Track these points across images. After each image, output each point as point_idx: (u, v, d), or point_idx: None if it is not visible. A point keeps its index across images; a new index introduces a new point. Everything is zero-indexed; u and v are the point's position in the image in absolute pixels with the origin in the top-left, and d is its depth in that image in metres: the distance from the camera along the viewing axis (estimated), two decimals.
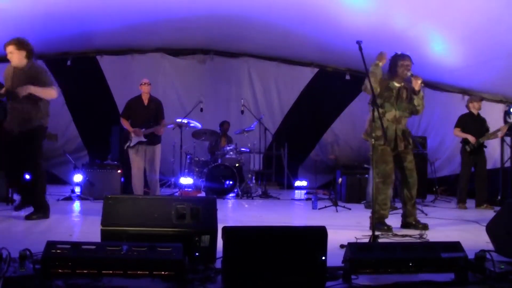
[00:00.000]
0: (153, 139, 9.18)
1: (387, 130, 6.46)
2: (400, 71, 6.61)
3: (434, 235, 6.02)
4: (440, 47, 10.28)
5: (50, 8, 9.43)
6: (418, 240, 5.66)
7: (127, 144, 9.13)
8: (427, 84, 12.89)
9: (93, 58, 13.13)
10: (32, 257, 3.62)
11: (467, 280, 3.79)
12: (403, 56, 6.66)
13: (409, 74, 6.57)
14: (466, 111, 10.27)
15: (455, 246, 3.91)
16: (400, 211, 8.76)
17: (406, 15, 9.25)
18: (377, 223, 5.92)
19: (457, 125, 10.20)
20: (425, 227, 6.55)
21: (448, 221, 7.92)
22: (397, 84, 6.68)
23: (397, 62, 6.64)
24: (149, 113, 9.26)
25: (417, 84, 6.60)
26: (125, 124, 9.25)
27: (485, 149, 10.06)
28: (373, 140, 6.06)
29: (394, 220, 7.38)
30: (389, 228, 6.27)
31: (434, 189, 11.88)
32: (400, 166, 6.73)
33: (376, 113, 5.76)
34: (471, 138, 9.86)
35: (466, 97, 11.43)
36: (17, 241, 5.05)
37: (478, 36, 9.26)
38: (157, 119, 9.29)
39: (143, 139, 9.06)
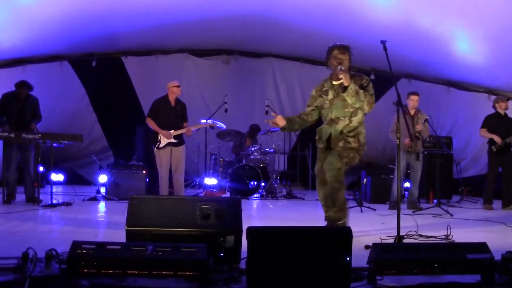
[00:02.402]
0: (180, 140, 9.28)
1: (323, 132, 6.05)
2: (332, 65, 5.89)
3: (460, 236, 5.94)
4: (466, 46, 10.17)
5: (75, 10, 9.50)
6: (444, 241, 5.61)
7: (157, 145, 9.19)
8: (452, 83, 12.78)
9: (118, 58, 13.22)
10: (58, 257, 3.65)
11: (494, 282, 3.73)
12: (334, 47, 5.90)
13: (338, 68, 5.73)
14: (493, 111, 10.14)
15: (481, 247, 3.86)
16: (426, 211, 8.72)
17: (430, 13, 9.16)
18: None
19: (483, 126, 10.07)
20: None
21: (474, 221, 7.82)
22: (334, 82, 5.96)
23: (328, 56, 5.94)
24: (176, 114, 9.32)
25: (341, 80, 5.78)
26: (152, 124, 9.30)
27: None
28: (398, 140, 5.64)
29: (418, 220, 7.32)
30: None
31: (460, 189, 11.76)
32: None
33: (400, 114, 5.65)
34: (497, 139, 9.73)
35: (492, 97, 11.30)
36: (43, 241, 5.11)
37: (505, 35, 9.14)
38: (182, 120, 9.35)
39: (173, 141, 9.14)
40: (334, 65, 5.82)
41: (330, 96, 5.94)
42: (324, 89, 6.04)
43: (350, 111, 5.87)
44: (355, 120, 5.92)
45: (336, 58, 5.80)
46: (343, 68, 5.71)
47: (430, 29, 9.58)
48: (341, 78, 5.72)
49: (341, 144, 5.86)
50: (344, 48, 5.88)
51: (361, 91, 5.73)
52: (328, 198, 5.84)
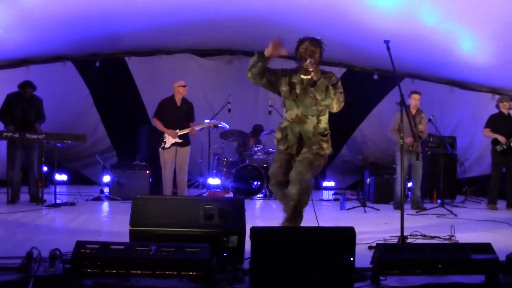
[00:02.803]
0: (185, 141, 9.30)
1: (289, 132, 5.62)
2: (301, 57, 5.59)
3: (464, 236, 5.93)
4: (469, 45, 10.13)
5: (79, 10, 9.52)
6: (448, 241, 5.60)
7: (162, 145, 9.22)
8: (456, 83, 12.76)
9: (121, 59, 13.22)
10: (62, 256, 3.67)
11: (499, 283, 3.73)
12: (305, 39, 5.66)
13: (307, 61, 5.41)
14: (496, 110, 10.12)
15: (486, 247, 3.85)
16: (430, 211, 8.72)
17: (434, 13, 9.13)
18: None
19: (487, 125, 10.05)
20: None
21: (478, 222, 7.82)
22: (303, 76, 5.63)
23: (298, 48, 5.66)
24: (181, 114, 9.35)
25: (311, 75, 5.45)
26: (158, 125, 9.35)
27: None
28: (401, 140, 5.57)
29: (424, 220, 7.32)
30: None
31: (464, 189, 11.74)
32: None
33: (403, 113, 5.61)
34: (501, 139, 9.72)
35: (496, 97, 11.25)
36: (47, 241, 5.12)
37: (509, 34, 9.10)
38: (188, 120, 9.37)
39: (178, 140, 9.16)
40: (304, 58, 5.51)
41: (298, 90, 5.61)
42: (292, 80, 5.67)
43: (319, 110, 5.57)
44: (323, 120, 5.65)
45: (306, 50, 5.56)
46: (313, 61, 5.39)
47: (433, 29, 9.56)
48: (311, 72, 5.39)
49: (315, 148, 5.51)
50: (316, 42, 5.66)
51: (331, 87, 5.43)
52: (292, 209, 5.35)
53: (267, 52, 5.62)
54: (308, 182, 5.39)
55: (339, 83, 5.62)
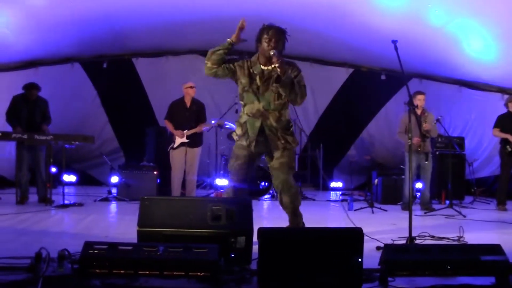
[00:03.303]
0: (195, 141, 9.34)
1: (248, 127, 5.31)
2: (263, 48, 5.16)
3: (473, 237, 5.90)
4: (478, 45, 10.09)
5: (87, 12, 9.56)
6: (456, 242, 5.58)
7: (171, 145, 9.25)
8: (464, 83, 12.71)
9: (129, 60, 13.25)
10: (70, 257, 3.69)
11: (509, 285, 3.71)
12: (267, 28, 5.17)
13: (271, 53, 5.01)
14: (505, 110, 10.08)
15: (496, 248, 3.83)
16: (438, 212, 8.69)
17: (442, 12, 9.10)
18: None
19: (496, 125, 9.99)
20: None
21: (487, 223, 7.78)
22: (263, 67, 5.27)
23: (260, 37, 5.21)
24: (191, 115, 9.39)
25: (276, 69, 5.05)
26: (169, 126, 9.43)
27: None
28: (409, 141, 5.50)
29: (432, 221, 7.30)
30: None
31: (473, 190, 11.69)
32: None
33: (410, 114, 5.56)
34: (511, 139, 9.67)
35: (505, 96, 11.21)
36: (55, 242, 5.13)
37: None
38: (199, 121, 9.39)
39: (185, 140, 9.17)
40: (266, 48, 5.11)
41: (259, 82, 5.25)
42: (252, 71, 5.28)
43: (281, 104, 5.27)
44: (285, 114, 5.37)
45: (270, 41, 5.09)
46: (277, 53, 4.98)
47: (440, 28, 9.53)
48: (274, 64, 5.02)
49: (281, 144, 5.30)
50: (281, 31, 5.19)
51: (296, 82, 5.13)
52: (291, 215, 5.54)
53: (232, 38, 5.27)
54: (295, 186, 5.47)
55: (301, 74, 5.29)
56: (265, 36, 5.12)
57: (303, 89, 5.24)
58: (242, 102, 5.39)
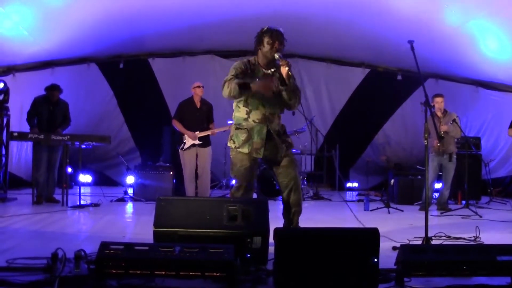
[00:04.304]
0: (205, 142, 9.33)
1: (254, 134, 5.14)
2: (265, 51, 5.08)
3: (489, 237, 5.87)
4: (495, 44, 10.03)
5: (104, 13, 9.61)
6: (473, 243, 5.54)
7: (181, 146, 9.26)
8: (481, 83, 12.63)
9: (145, 60, 13.29)
10: (87, 257, 3.70)
11: None
12: (270, 32, 5.07)
13: (276, 56, 5.01)
14: None
15: None
16: (454, 212, 8.64)
17: (459, 12, 9.05)
18: None
19: (511, 125, 9.94)
20: None
21: (503, 223, 7.73)
22: (265, 71, 5.21)
23: (263, 40, 5.09)
24: (201, 116, 9.39)
25: (284, 71, 5.02)
26: (178, 126, 9.39)
27: None
28: (426, 141, 5.33)
29: (446, 221, 7.26)
30: None
31: (489, 190, 11.61)
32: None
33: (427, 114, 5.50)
34: None
35: None
36: (72, 242, 5.17)
37: None
38: (208, 121, 9.40)
39: (198, 142, 9.18)
40: (269, 51, 5.05)
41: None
42: (257, 77, 5.14)
43: (281, 107, 5.28)
44: (280, 117, 5.36)
45: (274, 43, 5.04)
46: (281, 56, 4.99)
47: (457, 28, 9.48)
48: (284, 67, 4.99)
49: (284, 146, 5.29)
50: (282, 33, 5.12)
51: (296, 85, 5.19)
52: (298, 216, 5.23)
53: (254, 87, 4.97)
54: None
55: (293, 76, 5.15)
56: (268, 39, 5.04)
57: (299, 93, 5.28)
58: (246, 109, 5.18)
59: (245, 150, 5.12)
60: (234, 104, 5.31)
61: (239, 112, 5.22)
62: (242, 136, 5.14)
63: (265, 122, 5.15)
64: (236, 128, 5.22)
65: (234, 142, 5.19)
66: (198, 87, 9.46)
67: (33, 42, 10.05)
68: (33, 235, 5.80)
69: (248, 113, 5.17)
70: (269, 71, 5.20)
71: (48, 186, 9.20)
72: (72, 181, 11.81)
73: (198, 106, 9.44)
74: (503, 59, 10.54)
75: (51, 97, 9.17)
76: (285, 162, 5.27)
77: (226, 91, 5.02)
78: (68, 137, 8.60)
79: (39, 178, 8.98)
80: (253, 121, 5.15)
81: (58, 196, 9.03)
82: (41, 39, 10.17)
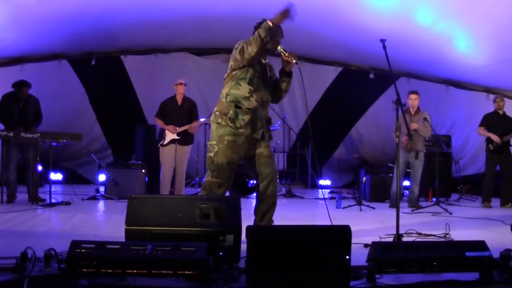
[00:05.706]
0: (186, 139, 9.33)
1: (257, 113, 5.13)
2: (269, 43, 5.10)
3: (458, 234, 5.96)
4: (465, 45, 10.16)
5: (74, 8, 9.51)
6: (443, 239, 5.61)
7: (161, 142, 9.25)
8: (452, 82, 12.78)
9: (118, 57, 13.19)
10: (57, 256, 3.66)
11: (493, 280, 3.74)
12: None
13: (280, 48, 5.15)
14: (491, 109, 10.15)
15: (480, 245, 3.86)
16: (425, 210, 8.73)
17: (430, 12, 9.15)
18: None
19: (481, 124, 10.11)
20: None
21: (472, 220, 7.85)
22: (263, 61, 5.37)
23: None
24: (182, 113, 9.39)
25: (289, 65, 5.23)
26: (160, 123, 9.48)
27: (511, 148, 9.93)
28: (397, 139, 5.39)
29: (417, 218, 7.33)
30: None
31: (459, 188, 11.77)
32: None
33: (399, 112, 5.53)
34: (494, 137, 9.76)
35: (491, 96, 11.30)
36: (42, 241, 5.10)
37: (504, 33, 9.12)
38: (191, 119, 9.40)
39: (176, 137, 9.17)
40: (272, 45, 5.21)
41: (257, 72, 5.22)
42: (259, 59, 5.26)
43: (271, 98, 5.38)
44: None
45: (278, 36, 5.20)
46: (287, 51, 5.13)
47: (428, 29, 9.57)
48: (291, 59, 5.13)
49: (267, 137, 5.29)
50: (280, 27, 5.25)
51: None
52: (274, 207, 5.24)
53: (275, 20, 5.03)
54: None
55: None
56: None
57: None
58: (250, 87, 5.09)
59: (246, 130, 5.04)
60: (230, 82, 5.21)
61: (239, 90, 5.09)
62: (246, 116, 5.03)
63: (262, 106, 5.19)
64: (236, 107, 5.04)
65: (233, 122, 5.01)
66: (180, 84, 9.45)
67: (1, 37, 9.90)
68: (1, 234, 5.71)
69: (251, 92, 5.09)
70: (264, 61, 5.36)
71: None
72: (43, 179, 11.67)
73: (180, 103, 9.44)
74: (473, 59, 10.68)
75: (20, 93, 9.00)
76: (267, 152, 5.26)
77: (252, 43, 4.99)
78: (39, 134, 8.47)
79: (9, 177, 8.84)
80: (256, 101, 5.09)
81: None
82: (10, 34, 10.02)
